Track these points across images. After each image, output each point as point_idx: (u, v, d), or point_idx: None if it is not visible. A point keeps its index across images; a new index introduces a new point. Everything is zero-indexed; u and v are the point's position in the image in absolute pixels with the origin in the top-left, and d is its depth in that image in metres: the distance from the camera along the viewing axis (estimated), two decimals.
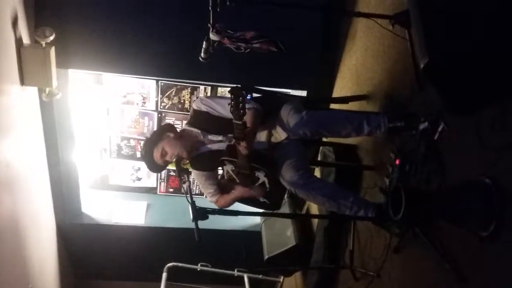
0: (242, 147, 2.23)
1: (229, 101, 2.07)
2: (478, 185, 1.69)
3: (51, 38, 3.05)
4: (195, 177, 2.78)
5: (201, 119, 2.57)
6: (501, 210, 1.60)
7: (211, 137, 2.57)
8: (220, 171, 2.67)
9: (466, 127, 1.82)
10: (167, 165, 2.65)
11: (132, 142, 4.59)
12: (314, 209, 3.74)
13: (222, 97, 2.62)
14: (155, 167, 2.58)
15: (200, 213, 2.00)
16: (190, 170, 2.75)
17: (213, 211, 2.04)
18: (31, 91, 3.39)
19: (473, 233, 1.69)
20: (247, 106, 2.32)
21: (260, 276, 4.33)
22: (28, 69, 3.08)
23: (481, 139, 1.74)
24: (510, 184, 1.59)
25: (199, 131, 2.57)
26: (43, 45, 3.05)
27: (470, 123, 1.78)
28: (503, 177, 1.62)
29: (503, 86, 1.45)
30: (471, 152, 1.82)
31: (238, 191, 2.58)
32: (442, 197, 1.80)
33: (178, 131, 2.63)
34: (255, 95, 2.79)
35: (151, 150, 2.52)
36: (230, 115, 2.22)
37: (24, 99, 3.26)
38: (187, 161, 2.64)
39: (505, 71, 1.39)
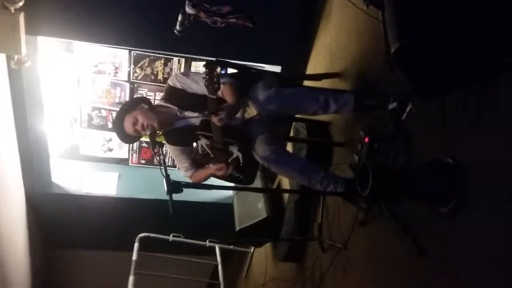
0: (217, 119, 2.25)
1: (203, 76, 2.08)
2: (440, 164, 1.79)
3: (20, 4, 2.96)
4: (170, 151, 2.79)
5: (177, 96, 2.57)
6: (462, 188, 1.70)
7: (187, 113, 2.58)
8: (195, 146, 2.69)
9: (432, 109, 1.91)
10: (139, 137, 2.66)
11: (104, 113, 4.53)
12: (286, 182, 3.83)
13: (196, 73, 2.62)
14: (124, 137, 2.57)
15: (175, 187, 2.04)
16: (163, 143, 2.76)
17: (188, 185, 2.08)
18: None
19: (434, 210, 1.80)
20: (222, 80, 2.34)
21: (231, 246, 4.44)
22: None
23: (445, 121, 1.83)
24: (471, 163, 1.69)
25: (176, 108, 2.57)
26: (12, 11, 2.95)
27: (436, 105, 1.86)
28: (464, 157, 1.72)
29: (468, 72, 1.52)
30: (436, 133, 1.91)
31: (212, 168, 2.60)
32: (406, 174, 1.89)
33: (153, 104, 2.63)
34: (230, 70, 2.80)
35: (122, 118, 2.51)
36: (204, 92, 2.23)
37: None
38: (160, 134, 2.65)
39: (471, 57, 1.46)
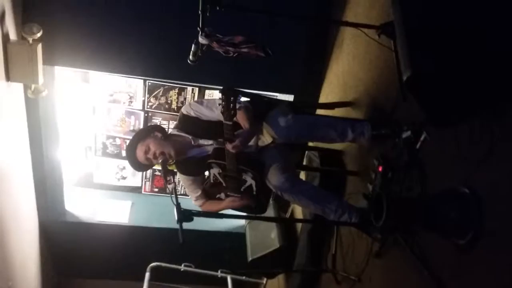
0: (232, 146, 2.25)
1: (218, 103, 2.09)
2: (456, 194, 1.74)
3: (39, 34, 3.03)
4: (181, 180, 2.78)
5: (191, 124, 2.57)
6: (478, 219, 1.64)
7: (201, 141, 2.58)
8: (206, 175, 2.68)
9: (447, 138, 1.87)
10: (151, 166, 2.65)
11: (118, 141, 4.58)
12: (299, 211, 3.77)
13: (210, 100, 2.64)
14: (137, 165, 2.56)
15: (185, 215, 2.02)
16: (175, 171, 2.76)
17: (199, 214, 2.06)
18: (17, 88, 3.36)
19: (451, 241, 1.74)
20: (237, 105, 2.35)
21: (243, 277, 4.35)
22: (15, 65, 3.05)
23: (460, 150, 1.79)
24: (487, 193, 1.64)
25: (190, 136, 2.58)
26: (30, 41, 3.03)
27: (450, 134, 1.83)
28: (480, 187, 1.67)
29: (481, 99, 1.50)
30: (451, 162, 1.87)
31: (228, 201, 2.58)
32: (422, 205, 1.85)
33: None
34: (243, 99, 2.81)
35: (135, 146, 2.51)
36: (219, 118, 2.23)
37: (9, 95, 3.24)
38: (172, 163, 2.65)
39: (483, 84, 1.44)
